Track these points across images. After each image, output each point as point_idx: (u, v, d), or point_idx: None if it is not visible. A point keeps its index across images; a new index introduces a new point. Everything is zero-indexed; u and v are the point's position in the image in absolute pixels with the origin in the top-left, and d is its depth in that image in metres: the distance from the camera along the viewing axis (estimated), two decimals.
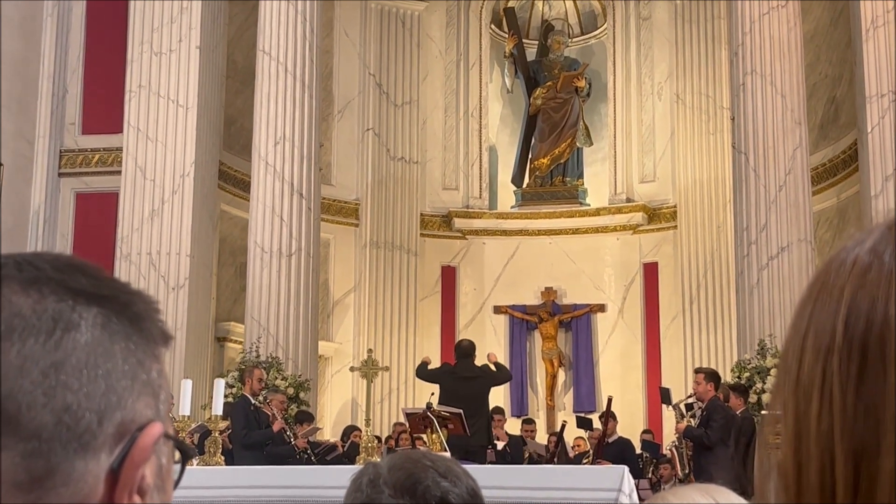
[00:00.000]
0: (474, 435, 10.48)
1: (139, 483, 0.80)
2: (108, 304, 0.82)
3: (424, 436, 10.06)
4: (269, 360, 13.57)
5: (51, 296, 0.79)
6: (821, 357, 0.68)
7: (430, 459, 1.90)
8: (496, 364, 12.67)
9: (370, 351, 10.75)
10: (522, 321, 18.91)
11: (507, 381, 12.98)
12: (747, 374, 12.95)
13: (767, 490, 0.72)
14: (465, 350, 11.84)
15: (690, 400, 11.46)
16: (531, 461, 12.97)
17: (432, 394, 11.72)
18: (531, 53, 20.36)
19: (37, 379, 0.76)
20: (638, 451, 13.78)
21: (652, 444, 14.30)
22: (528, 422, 15.06)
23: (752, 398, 12.06)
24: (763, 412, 11.19)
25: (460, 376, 11.30)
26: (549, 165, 19.59)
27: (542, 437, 15.49)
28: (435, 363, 13.95)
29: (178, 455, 0.88)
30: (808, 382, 0.69)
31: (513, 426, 15.01)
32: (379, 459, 2.55)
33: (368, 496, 1.85)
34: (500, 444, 12.90)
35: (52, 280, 0.80)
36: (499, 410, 13.81)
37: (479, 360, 12.57)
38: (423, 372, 12.92)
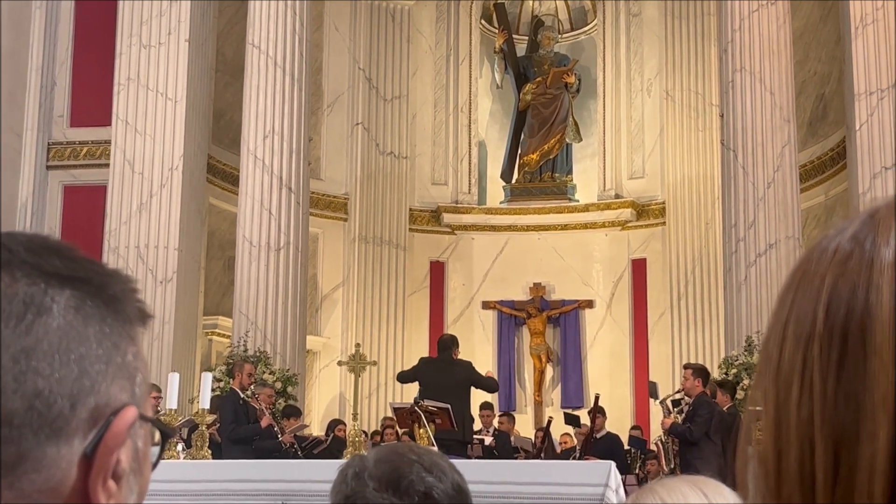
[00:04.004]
0: (450, 431, 10.39)
1: (114, 467, 0.79)
2: (83, 287, 0.80)
3: (412, 430, 10.05)
4: (257, 354, 13.55)
5: (23, 279, 0.78)
6: (801, 344, 0.68)
7: (416, 453, 1.90)
8: (488, 376, 12.50)
9: (358, 345, 10.71)
10: (511, 317, 18.92)
11: (490, 391, 12.68)
12: (734, 371, 12.98)
13: (747, 478, 0.72)
14: (445, 343, 11.75)
15: (678, 395, 11.48)
16: (515, 451, 12.97)
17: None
18: (521, 49, 20.37)
19: (7, 364, 0.75)
20: (626, 446, 13.81)
21: (639, 439, 14.33)
22: (504, 414, 15.08)
23: (739, 395, 12.08)
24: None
25: (437, 370, 11.22)
26: (539, 161, 19.60)
27: (527, 432, 15.52)
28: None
29: (158, 436, 0.87)
30: (788, 370, 0.69)
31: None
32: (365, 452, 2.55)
33: (353, 489, 1.85)
34: (487, 440, 12.89)
35: (25, 263, 0.79)
36: (487, 405, 13.79)
37: (476, 362, 12.49)
38: (402, 376, 12.62)
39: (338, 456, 10.26)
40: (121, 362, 0.81)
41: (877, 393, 0.65)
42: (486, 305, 19.00)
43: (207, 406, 9.04)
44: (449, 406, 10.21)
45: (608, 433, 13.36)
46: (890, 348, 0.65)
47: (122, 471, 0.80)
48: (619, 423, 15.13)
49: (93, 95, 15.28)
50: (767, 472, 0.69)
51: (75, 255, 0.82)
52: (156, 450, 0.87)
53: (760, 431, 0.71)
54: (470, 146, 19.73)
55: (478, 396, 12.51)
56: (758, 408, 0.71)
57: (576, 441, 14.03)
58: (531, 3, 20.67)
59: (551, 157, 19.60)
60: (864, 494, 0.64)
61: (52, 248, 0.81)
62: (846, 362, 0.66)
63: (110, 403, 0.79)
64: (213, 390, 10.73)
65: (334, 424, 13.61)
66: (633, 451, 13.83)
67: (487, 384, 11.96)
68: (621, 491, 6.91)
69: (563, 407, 17.41)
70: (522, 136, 19.87)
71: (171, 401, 8.61)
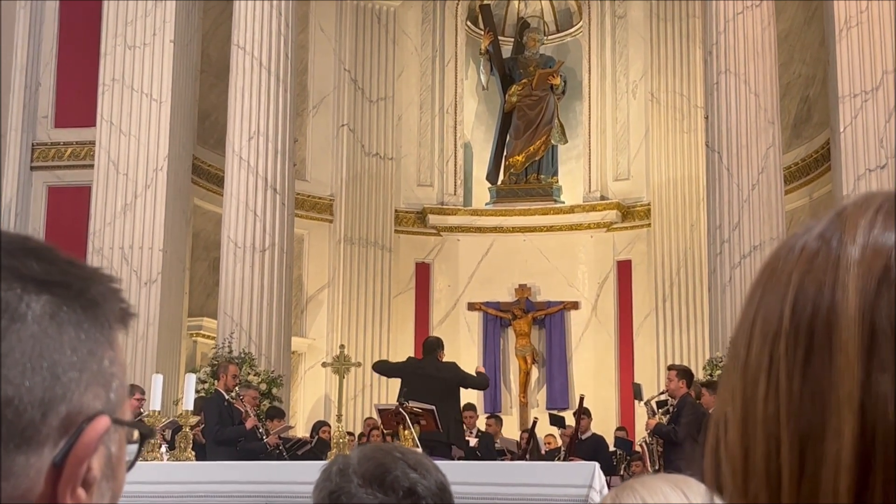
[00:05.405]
0: (437, 432, 10.38)
1: (84, 476, 0.78)
2: (60, 291, 0.79)
3: (397, 432, 10.04)
4: (242, 355, 13.53)
5: None
6: (768, 342, 0.68)
7: (401, 451, 1.90)
8: (478, 373, 12.45)
9: (342, 346, 10.71)
10: (496, 318, 18.93)
11: (480, 388, 12.63)
12: (719, 372, 13.00)
13: (713, 477, 0.72)
14: (431, 345, 11.72)
15: (663, 397, 11.50)
16: (499, 453, 12.97)
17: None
18: (507, 50, 20.39)
19: None
20: (611, 448, 13.82)
21: (625, 441, 14.35)
22: (491, 416, 15.11)
23: None
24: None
25: (423, 373, 11.19)
26: (524, 163, 19.62)
27: (512, 433, 15.52)
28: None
29: (137, 435, 0.87)
30: (755, 367, 0.69)
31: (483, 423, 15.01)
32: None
33: (337, 485, 1.85)
34: (471, 441, 12.88)
35: (2, 267, 0.77)
36: (470, 407, 13.76)
37: (462, 363, 12.45)
38: (381, 366, 12.58)
39: (322, 457, 10.24)
40: (96, 369, 0.80)
41: (842, 390, 0.65)
42: (472, 307, 19.00)
43: (191, 407, 9.02)
44: (433, 408, 10.20)
45: (593, 434, 13.38)
46: (855, 346, 0.65)
47: (92, 478, 0.78)
48: (604, 425, 15.15)
49: (77, 96, 15.24)
50: (734, 471, 0.69)
51: (54, 258, 0.80)
52: (133, 448, 0.86)
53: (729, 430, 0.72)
54: (455, 147, 19.74)
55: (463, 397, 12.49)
56: (726, 407, 0.72)
57: (560, 442, 14.04)
58: (517, 4, 20.69)
59: (537, 158, 19.62)
60: (830, 491, 0.65)
61: (31, 251, 0.80)
62: (812, 360, 0.67)
63: (83, 411, 0.78)
64: (197, 392, 10.72)
65: (319, 426, 13.61)
66: (619, 452, 13.85)
67: (477, 382, 11.93)
68: (605, 492, 6.91)
69: (548, 408, 17.43)
70: (508, 138, 19.88)
71: (155, 402, 8.59)
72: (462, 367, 11.81)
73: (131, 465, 0.86)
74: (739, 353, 0.71)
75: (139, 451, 0.87)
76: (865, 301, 0.66)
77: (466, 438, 12.68)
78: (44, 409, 0.76)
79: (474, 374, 12.05)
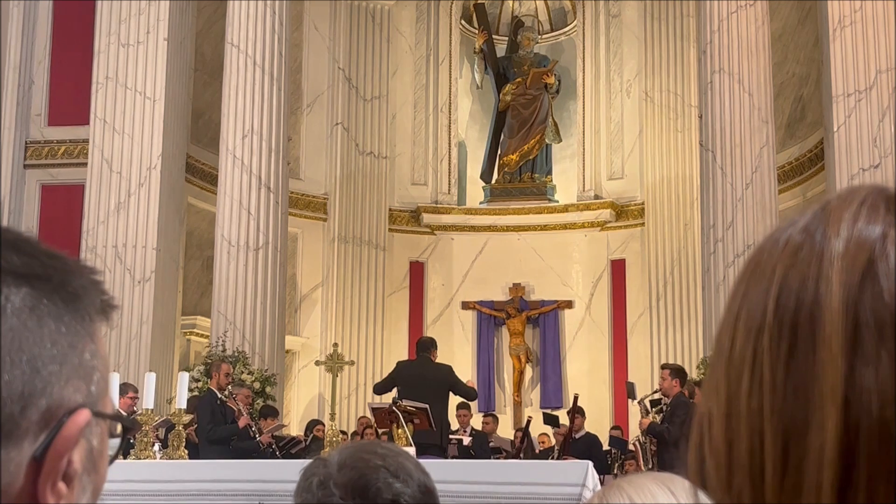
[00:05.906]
0: (427, 432, 10.37)
1: (65, 469, 0.77)
2: (40, 284, 0.78)
3: (391, 430, 10.04)
4: (236, 354, 13.51)
5: None
6: (752, 336, 0.68)
7: (381, 456, 1.87)
8: (469, 386, 12.41)
9: (335, 345, 10.69)
10: (490, 317, 18.93)
11: (468, 398, 12.54)
12: None
13: (697, 472, 0.72)
14: (424, 345, 11.71)
15: (656, 396, 11.50)
16: (494, 451, 12.96)
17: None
18: (501, 50, 20.40)
19: None
20: (606, 446, 13.84)
21: (620, 440, 14.36)
22: (487, 415, 15.11)
23: None
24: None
25: (416, 373, 11.18)
26: (518, 162, 19.62)
27: (506, 432, 15.53)
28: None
29: (119, 429, 0.86)
30: (739, 361, 0.69)
31: (479, 422, 15.02)
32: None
33: (319, 498, 1.84)
34: (465, 440, 12.88)
35: None
36: (465, 405, 13.76)
37: (456, 362, 12.45)
38: (379, 387, 12.32)
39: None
40: (77, 362, 0.80)
41: (825, 384, 0.65)
42: (466, 306, 19.00)
43: (185, 406, 9.00)
44: (427, 406, 10.20)
45: (587, 433, 13.39)
46: (838, 339, 0.65)
47: (73, 472, 0.78)
48: (597, 424, 15.16)
49: (71, 94, 15.22)
50: (718, 465, 0.69)
51: (34, 250, 0.80)
52: (115, 442, 0.86)
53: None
54: (450, 146, 19.73)
55: (455, 398, 12.48)
56: (710, 402, 0.71)
57: (554, 441, 14.05)
58: (511, 3, 20.69)
59: (531, 157, 19.62)
60: (813, 486, 0.64)
61: (11, 244, 0.79)
62: (796, 353, 0.66)
63: (63, 405, 0.78)
64: (190, 390, 10.70)
65: (313, 425, 13.60)
66: (613, 451, 13.86)
67: (466, 391, 11.91)
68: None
69: (542, 407, 17.43)
70: (502, 137, 19.89)
71: (148, 401, 8.57)
72: (456, 372, 11.77)
73: (113, 458, 0.85)
74: (723, 348, 0.71)
75: (122, 444, 0.87)
76: (849, 295, 0.66)
77: (460, 437, 12.69)
78: (23, 402, 0.75)
79: (463, 380, 12.04)
